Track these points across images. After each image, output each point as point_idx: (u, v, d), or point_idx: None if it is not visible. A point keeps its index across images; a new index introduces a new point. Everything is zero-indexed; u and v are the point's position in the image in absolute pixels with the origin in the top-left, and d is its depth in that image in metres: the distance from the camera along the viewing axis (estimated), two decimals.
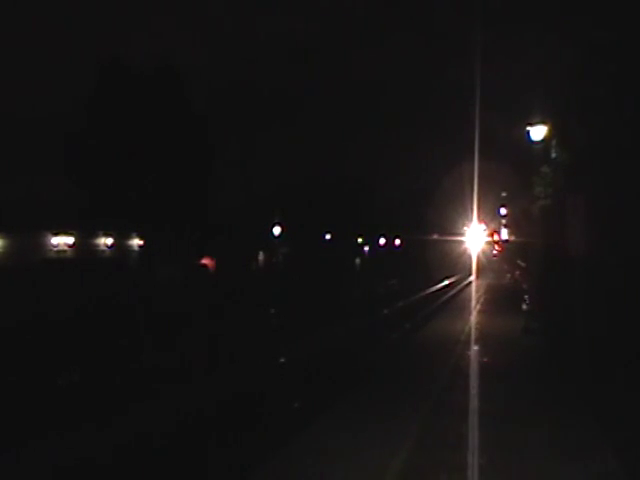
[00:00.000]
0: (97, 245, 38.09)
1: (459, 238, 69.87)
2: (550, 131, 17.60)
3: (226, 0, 75.82)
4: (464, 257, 70.03)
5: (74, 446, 10.42)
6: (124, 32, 61.47)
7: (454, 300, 38.10)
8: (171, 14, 71.96)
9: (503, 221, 48.71)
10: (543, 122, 17.49)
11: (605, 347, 12.30)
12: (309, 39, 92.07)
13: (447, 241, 73.89)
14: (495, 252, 73.91)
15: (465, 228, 70.62)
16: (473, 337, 20.07)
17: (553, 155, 18.85)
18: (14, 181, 30.25)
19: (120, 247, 38.89)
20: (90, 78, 34.46)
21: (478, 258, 65.11)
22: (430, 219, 74.13)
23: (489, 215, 58.08)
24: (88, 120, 34.15)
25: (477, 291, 38.62)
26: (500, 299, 34.49)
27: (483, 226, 65.14)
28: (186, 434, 10.96)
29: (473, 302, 31.49)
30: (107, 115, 33.80)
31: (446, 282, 59.28)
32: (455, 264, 77.22)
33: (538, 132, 17.57)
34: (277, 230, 53.29)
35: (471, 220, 53.73)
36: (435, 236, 76.85)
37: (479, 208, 61.64)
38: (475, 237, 57.05)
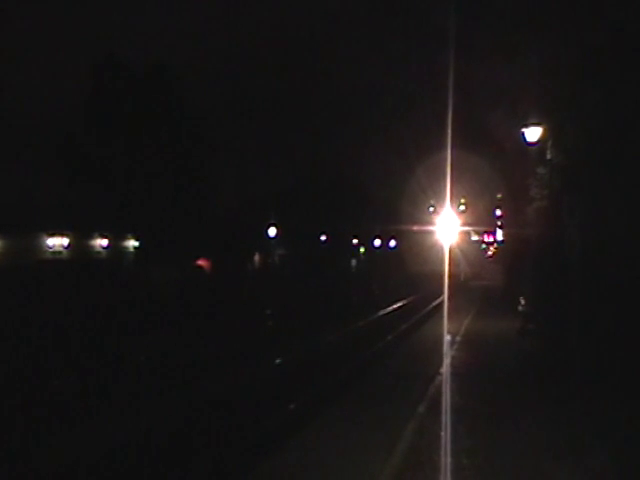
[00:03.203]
0: (92, 246, 37.93)
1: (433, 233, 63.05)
2: (545, 132, 17.57)
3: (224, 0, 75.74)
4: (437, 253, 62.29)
5: None
6: (122, 31, 61.45)
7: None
8: (170, 14, 71.99)
9: (498, 222, 48.64)
10: (538, 123, 17.46)
11: (602, 348, 12.32)
12: (305, 39, 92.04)
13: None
14: (490, 253, 74.11)
15: (430, 208, 60.70)
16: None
17: (548, 156, 18.85)
18: (9, 182, 30.12)
19: (115, 248, 38.77)
20: (86, 77, 34.41)
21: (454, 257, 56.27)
22: (420, 217, 73.10)
23: (484, 217, 57.40)
24: (84, 120, 34.14)
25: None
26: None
27: (462, 207, 58.19)
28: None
29: None
30: (103, 115, 33.79)
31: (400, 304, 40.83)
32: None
33: (533, 133, 17.52)
34: (273, 231, 53.07)
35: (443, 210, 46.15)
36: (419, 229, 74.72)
37: (474, 212, 60.43)
38: (449, 229, 48.42)
